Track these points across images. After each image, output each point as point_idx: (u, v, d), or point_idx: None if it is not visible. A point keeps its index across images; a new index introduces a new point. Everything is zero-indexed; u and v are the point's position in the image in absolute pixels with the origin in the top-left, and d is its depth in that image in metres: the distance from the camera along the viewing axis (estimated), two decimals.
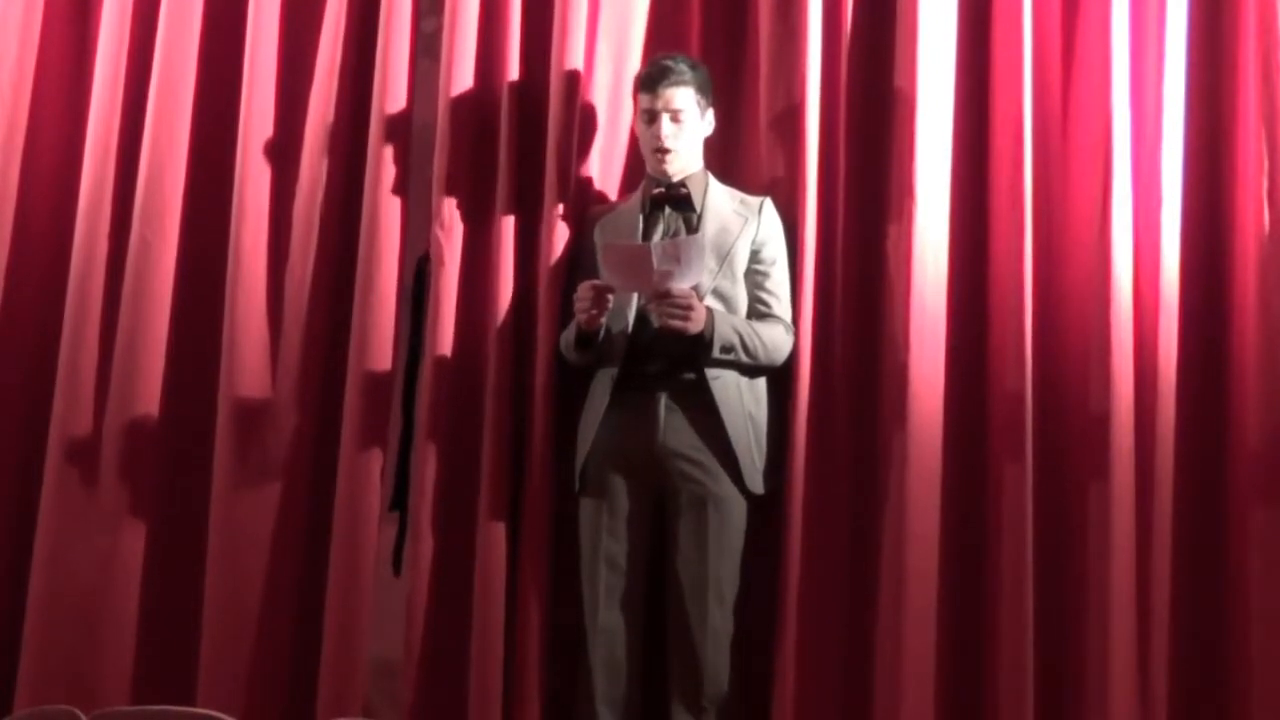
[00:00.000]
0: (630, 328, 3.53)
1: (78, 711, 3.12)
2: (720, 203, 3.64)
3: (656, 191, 3.63)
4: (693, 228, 3.58)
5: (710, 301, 3.51)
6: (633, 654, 3.52)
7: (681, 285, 3.41)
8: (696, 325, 3.43)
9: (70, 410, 3.93)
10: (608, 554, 3.51)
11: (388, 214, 3.83)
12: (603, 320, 3.51)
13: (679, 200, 3.62)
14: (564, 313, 3.66)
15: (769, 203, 3.65)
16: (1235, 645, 3.46)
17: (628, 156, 3.82)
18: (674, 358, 3.50)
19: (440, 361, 3.71)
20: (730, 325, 3.50)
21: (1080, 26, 3.72)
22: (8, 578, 3.94)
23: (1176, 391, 3.50)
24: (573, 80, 3.76)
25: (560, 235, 3.71)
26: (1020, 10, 3.66)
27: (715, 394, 3.48)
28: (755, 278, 3.60)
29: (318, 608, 3.71)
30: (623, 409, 3.52)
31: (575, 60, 3.77)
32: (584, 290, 3.49)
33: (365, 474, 3.73)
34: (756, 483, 3.50)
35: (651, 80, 3.59)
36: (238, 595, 3.78)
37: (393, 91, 3.86)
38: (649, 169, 3.66)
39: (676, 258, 3.39)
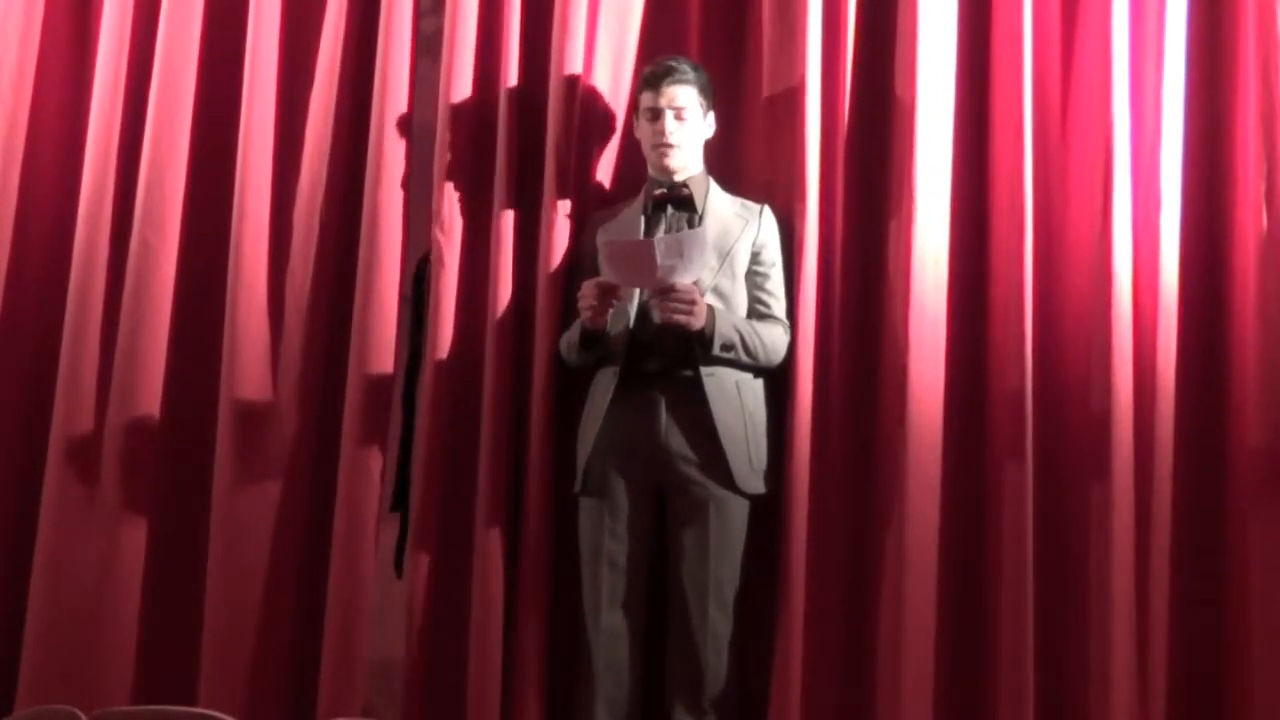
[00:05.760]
0: (632, 324, 3.54)
1: (78, 711, 3.11)
2: (721, 204, 3.64)
3: (659, 192, 3.64)
4: (694, 228, 3.59)
5: (710, 299, 3.51)
6: (634, 655, 3.52)
7: (684, 280, 3.42)
8: (698, 321, 3.44)
9: (71, 411, 3.93)
10: (609, 555, 3.52)
11: (388, 215, 3.84)
12: (606, 319, 3.51)
13: (681, 201, 3.63)
14: (564, 313, 3.66)
15: (768, 209, 3.66)
16: (1235, 645, 3.47)
17: (628, 157, 3.82)
18: (673, 356, 3.51)
19: (440, 362, 3.72)
20: (731, 324, 3.50)
21: (1080, 28, 3.72)
22: (9, 578, 3.95)
23: (1176, 391, 3.51)
24: (572, 81, 3.76)
25: (560, 236, 3.71)
26: (1020, 12, 3.66)
27: (708, 392, 3.48)
28: (755, 279, 3.61)
29: (318, 608, 3.71)
30: (624, 409, 3.52)
31: (575, 61, 3.77)
32: (588, 288, 3.49)
33: (365, 474, 3.73)
34: (751, 483, 3.50)
35: (656, 78, 3.60)
36: (238, 595, 3.78)
37: (393, 92, 3.87)
38: (651, 168, 3.66)
39: (679, 252, 3.39)
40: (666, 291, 3.42)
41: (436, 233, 3.77)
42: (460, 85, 3.83)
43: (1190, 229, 3.60)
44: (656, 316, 3.48)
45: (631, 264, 3.43)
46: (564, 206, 3.72)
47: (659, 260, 3.37)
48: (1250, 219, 3.56)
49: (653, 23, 3.88)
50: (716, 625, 3.46)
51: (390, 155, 3.84)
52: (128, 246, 3.99)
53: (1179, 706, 3.46)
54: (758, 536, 3.53)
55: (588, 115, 3.77)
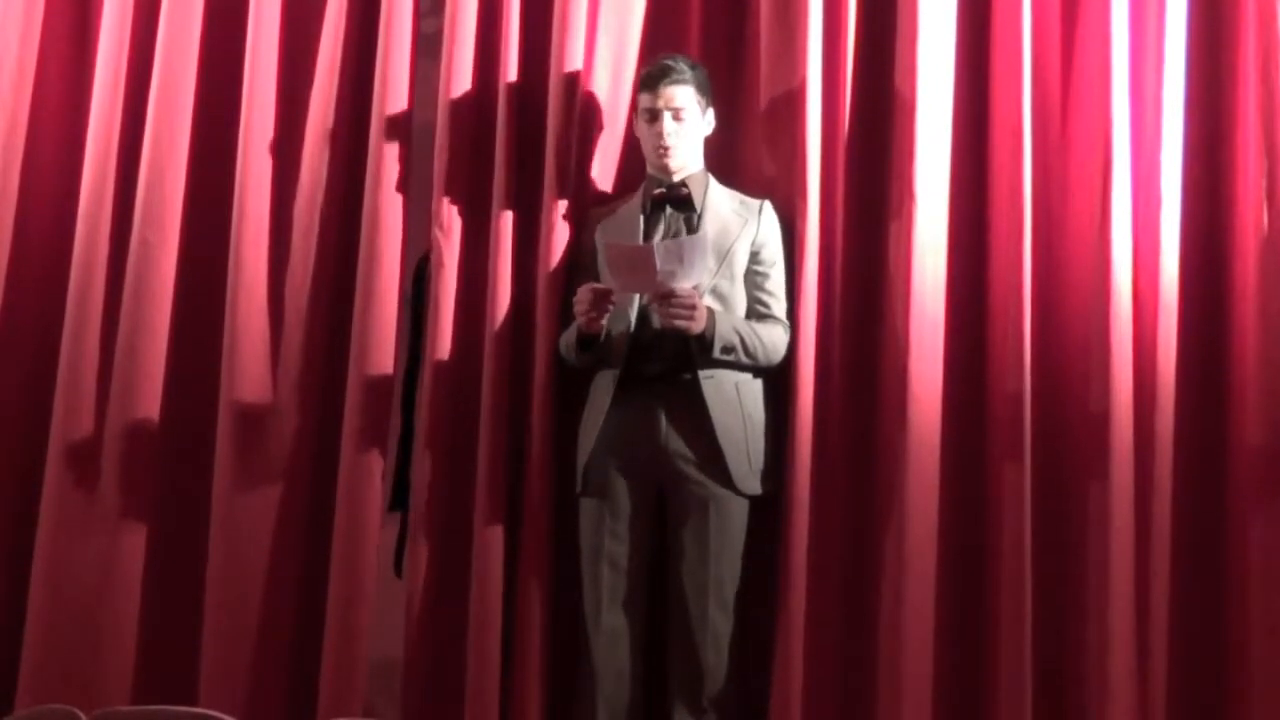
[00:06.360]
0: (633, 327, 3.54)
1: (78, 711, 3.12)
2: (720, 203, 3.64)
3: (658, 192, 3.64)
4: (693, 228, 3.59)
5: (709, 300, 3.51)
6: (634, 655, 3.52)
7: (684, 285, 3.42)
8: (699, 325, 3.44)
9: (71, 411, 3.93)
10: (610, 555, 3.52)
11: (388, 215, 3.84)
12: (603, 323, 3.51)
13: (680, 200, 3.63)
14: (563, 314, 3.66)
15: (768, 205, 3.66)
16: (1234, 645, 3.46)
17: (628, 157, 3.81)
18: (673, 358, 3.50)
19: (440, 362, 3.72)
20: (730, 325, 3.50)
21: (1080, 27, 3.72)
22: (9, 578, 3.95)
23: (1176, 391, 3.50)
24: (572, 81, 3.76)
25: (559, 236, 3.71)
26: (1020, 11, 3.65)
27: (706, 394, 3.48)
28: (755, 278, 3.61)
29: (318, 608, 3.71)
30: (625, 410, 3.52)
31: (575, 61, 3.77)
32: (583, 293, 3.49)
33: (366, 475, 3.73)
34: (750, 484, 3.50)
35: (652, 79, 3.60)
36: (238, 596, 3.78)
37: (393, 92, 3.87)
38: (650, 167, 3.66)
39: (679, 257, 3.39)
40: (667, 296, 3.42)
41: (436, 233, 3.77)
42: (460, 85, 3.83)
43: (1190, 228, 3.59)
44: (657, 321, 3.48)
45: (631, 268, 3.44)
46: (563, 206, 3.72)
47: (659, 265, 3.38)
48: (1250, 218, 3.55)
49: (653, 22, 3.87)
50: (716, 625, 3.46)
51: (390, 155, 3.84)
52: (128, 246, 3.99)
53: (1179, 706, 3.45)
54: (758, 536, 3.53)
55: (588, 115, 3.77)
